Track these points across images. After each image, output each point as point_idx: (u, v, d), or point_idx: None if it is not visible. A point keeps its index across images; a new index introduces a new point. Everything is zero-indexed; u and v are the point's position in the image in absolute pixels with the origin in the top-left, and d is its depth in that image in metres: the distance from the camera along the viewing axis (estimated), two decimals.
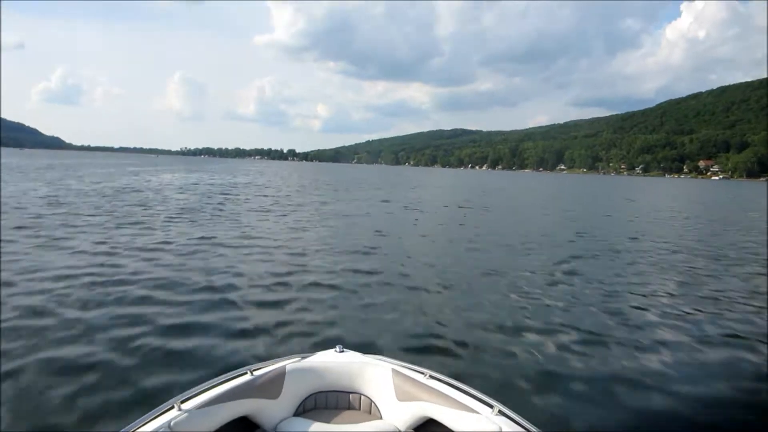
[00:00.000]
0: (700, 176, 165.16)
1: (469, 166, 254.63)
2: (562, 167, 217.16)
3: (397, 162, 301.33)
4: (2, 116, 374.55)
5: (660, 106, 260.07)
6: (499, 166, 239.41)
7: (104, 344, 4.07)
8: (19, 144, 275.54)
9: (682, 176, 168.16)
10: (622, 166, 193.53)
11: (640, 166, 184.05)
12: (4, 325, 4.38)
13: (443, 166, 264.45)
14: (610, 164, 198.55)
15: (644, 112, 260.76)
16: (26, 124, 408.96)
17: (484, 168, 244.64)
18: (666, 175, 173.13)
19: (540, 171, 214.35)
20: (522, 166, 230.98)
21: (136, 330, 4.39)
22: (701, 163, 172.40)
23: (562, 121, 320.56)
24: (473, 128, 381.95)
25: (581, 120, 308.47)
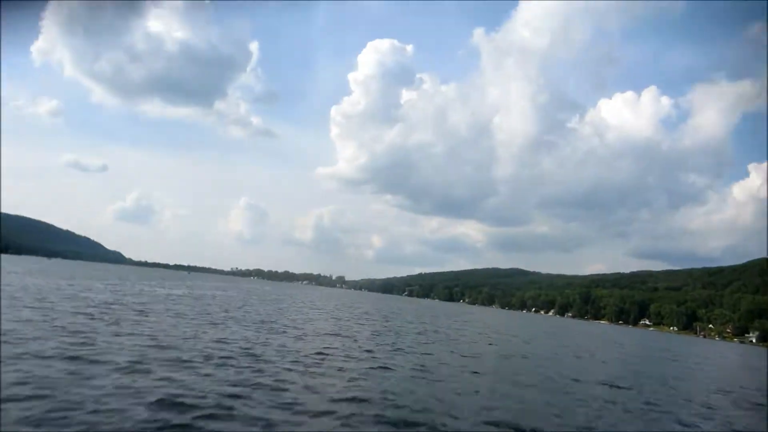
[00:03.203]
0: None
1: (533, 309, 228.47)
2: (647, 322, 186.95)
3: (451, 297, 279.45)
4: (71, 230, 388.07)
5: (753, 262, 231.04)
6: (569, 314, 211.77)
7: None
8: (78, 257, 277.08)
9: None
10: (727, 330, 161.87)
11: (755, 333, 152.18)
12: None
13: (502, 306, 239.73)
14: (711, 326, 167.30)
15: (734, 269, 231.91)
16: (92, 238, 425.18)
17: (551, 313, 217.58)
18: None
19: (620, 324, 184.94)
20: (597, 316, 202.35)
21: None
22: None
23: (626, 270, 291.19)
24: (529, 269, 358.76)
25: (657, 271, 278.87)
